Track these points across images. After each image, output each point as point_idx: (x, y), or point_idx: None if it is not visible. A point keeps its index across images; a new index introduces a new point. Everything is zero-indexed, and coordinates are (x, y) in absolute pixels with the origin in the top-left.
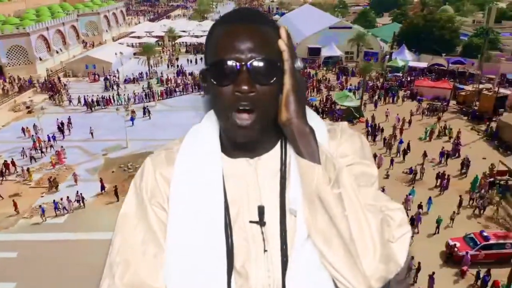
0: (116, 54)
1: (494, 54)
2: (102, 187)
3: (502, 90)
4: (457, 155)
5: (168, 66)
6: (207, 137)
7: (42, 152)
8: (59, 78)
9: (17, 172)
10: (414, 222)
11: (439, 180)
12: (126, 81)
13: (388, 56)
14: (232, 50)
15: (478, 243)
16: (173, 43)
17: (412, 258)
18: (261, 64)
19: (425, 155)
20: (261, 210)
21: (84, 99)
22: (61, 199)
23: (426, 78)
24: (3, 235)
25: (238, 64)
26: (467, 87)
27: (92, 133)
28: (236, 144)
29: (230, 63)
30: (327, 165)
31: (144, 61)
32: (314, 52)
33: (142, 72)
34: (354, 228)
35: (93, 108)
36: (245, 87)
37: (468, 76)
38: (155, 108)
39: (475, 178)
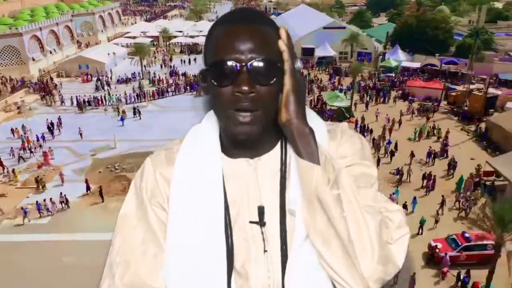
0: (109, 54)
1: (488, 54)
2: (88, 188)
3: (492, 91)
4: (445, 155)
5: (161, 67)
6: (207, 137)
7: (31, 152)
8: (51, 78)
9: (4, 172)
10: None
11: (425, 181)
12: (119, 81)
13: (381, 56)
14: (232, 50)
15: (460, 244)
16: (168, 43)
17: None
18: (261, 64)
19: (412, 155)
20: (261, 210)
21: (77, 99)
22: (44, 200)
23: (418, 78)
24: None
25: (238, 64)
26: (458, 88)
27: (81, 134)
28: (236, 143)
29: (230, 63)
30: (326, 166)
31: (137, 61)
32: (308, 52)
33: (135, 72)
34: (352, 229)
35: (83, 109)
36: (245, 88)
37: (460, 76)
38: (146, 108)
39: (460, 178)
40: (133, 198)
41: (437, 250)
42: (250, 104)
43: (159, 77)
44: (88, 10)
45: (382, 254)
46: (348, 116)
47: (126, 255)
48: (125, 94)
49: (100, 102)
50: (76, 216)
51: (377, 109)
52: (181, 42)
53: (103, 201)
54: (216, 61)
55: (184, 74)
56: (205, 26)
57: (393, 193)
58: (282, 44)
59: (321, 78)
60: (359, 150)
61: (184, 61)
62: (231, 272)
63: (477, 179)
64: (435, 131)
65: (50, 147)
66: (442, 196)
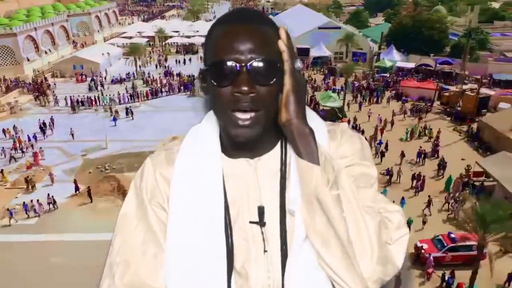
0: (103, 54)
1: (483, 54)
2: (76, 188)
3: (485, 91)
4: (436, 155)
5: (156, 67)
6: (207, 137)
7: (23, 152)
8: (45, 78)
9: None
10: None
11: (414, 181)
12: (113, 81)
13: (376, 57)
14: (232, 50)
15: (445, 245)
16: (163, 43)
17: None
18: (261, 64)
19: (403, 155)
20: (261, 211)
21: (71, 99)
22: (31, 201)
23: (412, 78)
24: None
25: (238, 65)
26: (451, 88)
27: (72, 134)
28: (236, 144)
29: (229, 63)
30: (326, 166)
31: (132, 61)
32: (303, 52)
33: (129, 73)
34: (352, 229)
35: (76, 109)
36: (245, 88)
37: (454, 76)
38: (139, 108)
39: (448, 178)
40: (133, 198)
41: (422, 251)
42: (250, 104)
43: (153, 77)
44: (84, 10)
45: (381, 254)
46: (341, 116)
47: (126, 255)
48: (118, 94)
49: (93, 103)
50: (64, 217)
51: (369, 109)
52: (177, 42)
53: (91, 202)
54: (215, 61)
55: (178, 75)
56: (201, 26)
57: (381, 193)
58: (282, 44)
59: (315, 78)
60: (359, 150)
61: (179, 61)
62: (231, 272)
63: (466, 180)
64: (427, 131)
65: (41, 148)
66: (429, 196)
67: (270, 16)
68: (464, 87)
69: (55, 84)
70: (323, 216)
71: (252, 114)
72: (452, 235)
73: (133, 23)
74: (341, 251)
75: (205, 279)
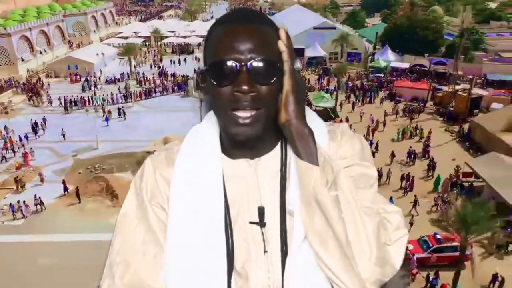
0: (97, 54)
1: (478, 54)
2: (65, 189)
3: (478, 91)
4: (426, 156)
5: (151, 67)
6: (207, 137)
7: (14, 152)
8: (39, 78)
9: None
10: None
11: (403, 182)
12: (107, 81)
13: (371, 57)
14: (232, 50)
15: (431, 245)
16: (159, 43)
17: None
18: (261, 64)
19: (393, 155)
20: (261, 211)
21: (64, 99)
22: (18, 201)
23: (406, 78)
24: None
25: (238, 64)
26: (445, 88)
27: (63, 135)
28: (236, 143)
29: (229, 63)
30: (325, 167)
31: (126, 61)
32: (298, 52)
33: (123, 73)
34: (350, 230)
35: (69, 109)
36: (245, 87)
37: (448, 77)
38: (132, 109)
39: (437, 178)
40: (133, 198)
41: (407, 252)
42: (250, 104)
43: (146, 78)
44: (80, 11)
45: (379, 255)
46: (333, 117)
47: (126, 255)
48: (111, 94)
49: (86, 103)
50: (51, 217)
51: (361, 110)
52: (173, 43)
53: (80, 202)
54: (215, 61)
55: (173, 75)
56: (198, 26)
57: None
58: (281, 45)
59: (308, 79)
60: (359, 150)
61: (174, 62)
62: (231, 272)
63: (455, 180)
64: (418, 131)
65: (31, 148)
66: (415, 196)
67: None
68: (457, 87)
69: (48, 84)
70: (322, 216)
71: (253, 112)
72: (438, 236)
73: (130, 23)
74: (339, 252)
75: (205, 279)
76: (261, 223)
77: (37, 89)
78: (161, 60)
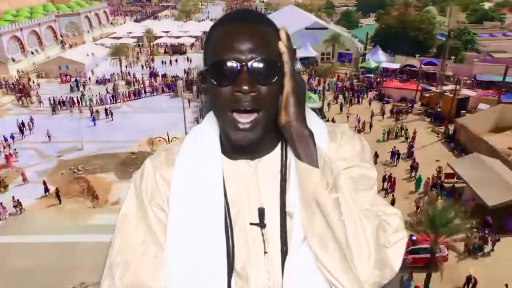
0: (88, 55)
1: (470, 55)
2: (46, 190)
3: (466, 92)
4: (411, 156)
5: (142, 67)
6: (207, 137)
7: None
8: (29, 79)
9: None
10: None
11: (385, 183)
12: (98, 82)
13: (361, 57)
14: (232, 50)
15: (408, 247)
16: (152, 43)
17: None
18: (261, 64)
19: (376, 156)
20: (261, 212)
21: (53, 100)
22: None
23: (395, 79)
24: None
25: (238, 64)
26: (433, 89)
27: (49, 136)
28: (236, 147)
29: (230, 63)
30: (325, 169)
31: (116, 62)
32: None
33: (114, 73)
34: (350, 233)
35: (56, 110)
36: (246, 87)
37: (438, 77)
38: (120, 109)
39: (418, 178)
40: (133, 199)
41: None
42: (251, 104)
43: (135, 78)
44: (73, 11)
45: (378, 258)
46: (320, 118)
47: (126, 255)
48: (99, 95)
49: (75, 103)
50: (30, 219)
51: (348, 110)
52: (166, 43)
53: (60, 203)
54: (215, 62)
55: (164, 75)
56: (192, 26)
57: None
58: (282, 46)
59: None
60: (359, 151)
61: (165, 62)
62: (231, 273)
63: (436, 181)
64: (403, 131)
65: (15, 149)
66: (393, 195)
67: None
68: (445, 88)
69: (38, 84)
70: (322, 218)
71: (252, 117)
72: (413, 237)
73: (125, 23)
74: (339, 254)
75: (205, 279)
76: (261, 224)
77: (26, 89)
78: (152, 60)
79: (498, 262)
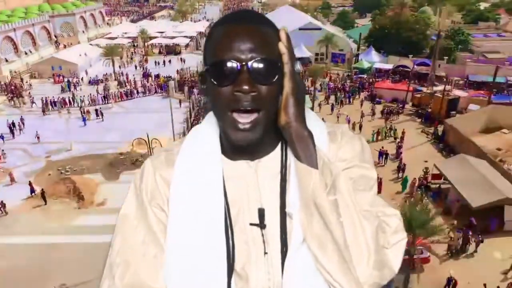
0: (80, 55)
1: (464, 55)
2: (32, 190)
3: (457, 92)
4: (399, 157)
5: (136, 68)
6: (207, 137)
7: None
8: (21, 79)
9: None
10: None
11: None
12: (91, 82)
13: (355, 58)
14: (232, 50)
15: None
16: (146, 44)
17: None
18: (261, 64)
19: None
20: (261, 213)
21: (45, 100)
22: None
23: (387, 80)
24: None
25: (238, 64)
26: (424, 89)
27: (38, 137)
28: (236, 147)
29: (230, 63)
30: (324, 170)
31: (109, 62)
32: None
33: (106, 74)
34: (349, 234)
35: (45, 111)
36: (246, 87)
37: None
38: (112, 110)
39: (404, 179)
40: (133, 199)
41: None
42: (251, 104)
43: (127, 79)
44: (68, 11)
45: (378, 259)
46: None
47: (126, 255)
48: (91, 95)
49: (67, 104)
50: (14, 220)
51: (338, 111)
52: (161, 43)
53: (45, 204)
54: (215, 61)
55: (157, 76)
56: (187, 27)
57: None
58: (282, 46)
59: None
60: (359, 152)
61: (158, 63)
62: (231, 273)
63: (421, 182)
64: (392, 132)
65: (3, 150)
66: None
67: None
68: (435, 88)
69: (30, 85)
70: (321, 220)
71: (252, 117)
72: None
73: (121, 23)
74: (338, 255)
75: (205, 279)
76: (261, 225)
77: (18, 90)
78: (146, 61)
79: (480, 263)
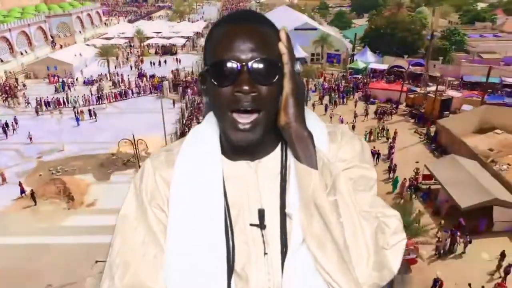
0: (75, 55)
1: (459, 55)
2: (22, 191)
3: (451, 93)
4: (391, 157)
5: (131, 68)
6: (207, 138)
7: None
8: (16, 79)
9: None
10: None
11: None
12: (85, 82)
13: (350, 58)
14: (232, 50)
15: None
16: (142, 44)
17: None
18: (261, 64)
19: None
20: (261, 213)
21: (40, 101)
22: None
23: (381, 80)
24: None
25: (238, 64)
26: (418, 90)
27: (30, 138)
28: (236, 148)
29: (230, 64)
30: (324, 171)
31: (104, 63)
32: None
33: (101, 74)
34: (348, 235)
35: (38, 111)
36: (246, 87)
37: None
38: (105, 110)
39: (395, 179)
40: (133, 199)
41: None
42: (251, 104)
43: (122, 79)
44: (64, 11)
45: (377, 259)
46: None
47: (126, 256)
48: (85, 96)
49: (61, 104)
50: (3, 220)
51: (332, 111)
52: (157, 43)
53: (35, 204)
54: (216, 62)
55: (152, 76)
56: (184, 27)
57: None
58: (282, 46)
59: None
60: (359, 152)
61: (154, 63)
62: (231, 274)
63: (412, 182)
64: (384, 132)
65: None
66: None
67: None
68: (429, 89)
69: (24, 85)
70: (320, 220)
71: (252, 117)
72: None
73: (118, 23)
74: (337, 256)
75: (205, 280)
76: (261, 225)
77: (12, 90)
78: (142, 61)
79: (468, 263)
